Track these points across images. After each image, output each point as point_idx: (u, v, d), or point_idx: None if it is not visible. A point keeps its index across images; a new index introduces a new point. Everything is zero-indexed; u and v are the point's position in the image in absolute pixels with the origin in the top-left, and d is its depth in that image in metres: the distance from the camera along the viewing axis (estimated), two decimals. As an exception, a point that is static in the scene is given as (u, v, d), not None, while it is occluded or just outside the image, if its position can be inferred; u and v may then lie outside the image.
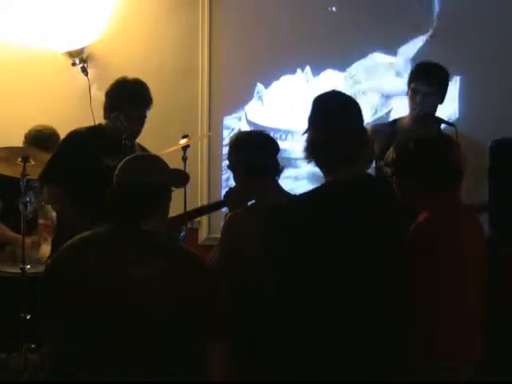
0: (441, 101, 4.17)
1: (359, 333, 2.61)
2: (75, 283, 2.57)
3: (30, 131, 4.88)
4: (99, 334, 2.53)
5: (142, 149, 4.10)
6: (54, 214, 4.70)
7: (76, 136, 4.02)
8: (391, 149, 2.99)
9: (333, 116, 2.70)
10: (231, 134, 5.27)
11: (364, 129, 2.80)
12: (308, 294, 2.60)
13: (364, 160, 2.85)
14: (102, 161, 3.89)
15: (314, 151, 2.71)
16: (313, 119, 2.74)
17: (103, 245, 2.63)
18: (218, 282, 2.90)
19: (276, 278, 2.65)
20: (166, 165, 2.79)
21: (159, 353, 2.51)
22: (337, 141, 2.66)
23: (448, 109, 4.89)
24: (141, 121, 3.99)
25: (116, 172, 2.70)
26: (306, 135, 2.75)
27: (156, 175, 2.68)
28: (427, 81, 4.07)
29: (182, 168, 4.21)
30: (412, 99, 4.12)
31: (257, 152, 3.18)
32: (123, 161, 2.74)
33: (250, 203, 3.32)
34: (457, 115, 4.98)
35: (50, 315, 2.66)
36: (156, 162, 2.77)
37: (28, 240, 4.32)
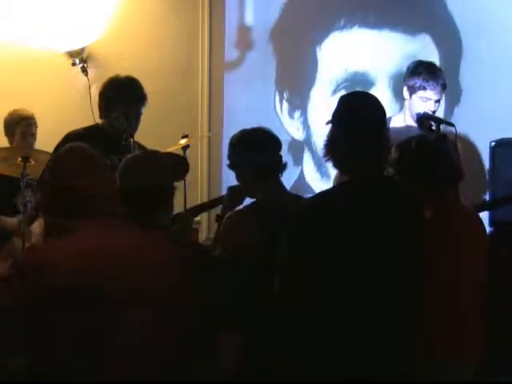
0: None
1: (369, 328, 2.60)
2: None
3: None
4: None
5: (140, 147, 4.09)
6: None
7: (74, 137, 4.01)
8: (393, 148, 2.99)
9: (356, 116, 2.70)
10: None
11: (386, 131, 2.80)
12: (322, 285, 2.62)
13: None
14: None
15: (334, 149, 2.71)
16: (336, 117, 2.74)
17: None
18: (230, 273, 2.90)
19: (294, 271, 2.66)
20: (166, 162, 2.77)
21: (172, 347, 2.51)
22: (358, 141, 2.66)
23: (448, 108, 4.90)
24: (137, 118, 4.00)
25: (118, 174, 2.68)
26: (327, 132, 2.75)
27: (159, 178, 2.66)
28: (439, 88, 4.06)
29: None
30: (422, 106, 4.06)
31: (259, 152, 3.17)
32: (124, 162, 2.72)
33: (250, 202, 3.31)
34: (457, 115, 4.98)
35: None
36: (157, 162, 2.75)
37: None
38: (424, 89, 4.06)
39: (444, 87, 4.12)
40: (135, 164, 2.70)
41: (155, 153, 2.86)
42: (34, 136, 4.75)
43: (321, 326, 2.60)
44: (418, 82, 4.07)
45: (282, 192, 3.23)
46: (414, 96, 4.11)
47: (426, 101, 4.07)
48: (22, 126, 4.73)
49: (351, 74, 5.13)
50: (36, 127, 4.78)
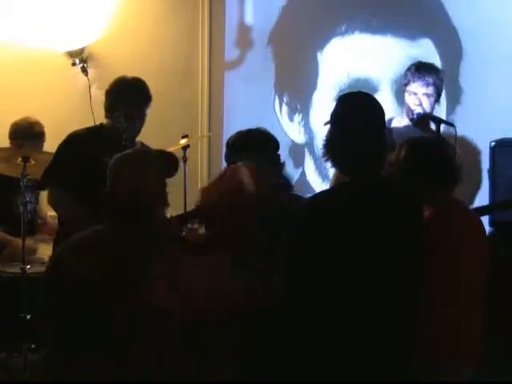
0: (437, 101, 4.19)
1: (369, 328, 2.60)
2: (80, 282, 2.56)
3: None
4: (107, 332, 2.53)
5: (143, 146, 4.08)
6: (51, 213, 4.70)
7: (76, 137, 4.02)
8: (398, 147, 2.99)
9: (355, 116, 2.70)
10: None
11: (385, 131, 2.80)
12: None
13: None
14: (104, 160, 3.88)
15: (333, 149, 2.71)
16: (335, 117, 2.73)
17: (110, 243, 2.62)
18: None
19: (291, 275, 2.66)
20: (155, 159, 2.77)
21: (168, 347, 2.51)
22: (357, 141, 2.66)
23: (448, 108, 4.90)
24: (140, 119, 3.99)
25: (108, 173, 2.68)
26: (325, 133, 2.76)
27: (152, 179, 2.66)
28: (425, 82, 4.09)
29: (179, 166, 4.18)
30: (410, 101, 4.13)
31: (256, 152, 3.16)
32: (113, 162, 2.71)
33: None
34: (457, 115, 4.99)
35: (53, 315, 2.65)
36: (145, 159, 2.74)
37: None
38: (409, 83, 4.14)
39: (435, 84, 4.12)
40: (124, 163, 2.69)
41: (144, 151, 2.86)
42: (41, 150, 4.75)
43: (320, 326, 2.60)
44: (405, 78, 4.17)
45: (281, 192, 3.22)
46: (405, 93, 4.17)
47: (411, 94, 4.13)
48: (33, 142, 4.73)
49: (353, 80, 5.13)
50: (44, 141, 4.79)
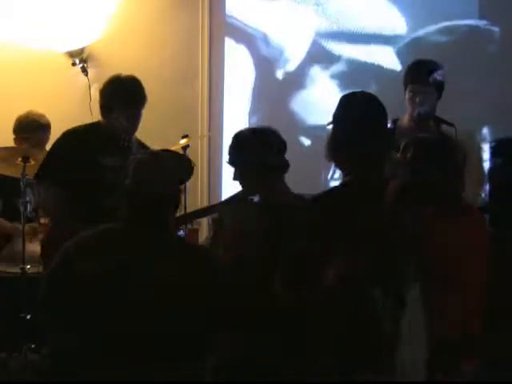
0: (438, 98, 4.18)
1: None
2: (86, 281, 2.56)
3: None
4: (113, 331, 2.53)
5: (142, 145, 4.07)
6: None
7: (73, 134, 3.99)
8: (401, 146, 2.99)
9: (356, 116, 2.70)
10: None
11: (388, 131, 2.80)
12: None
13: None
14: (100, 159, 3.87)
15: (335, 149, 2.71)
16: (337, 117, 2.74)
17: (117, 243, 2.63)
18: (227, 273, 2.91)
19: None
20: (173, 163, 2.79)
21: (173, 348, 2.52)
22: (358, 141, 2.66)
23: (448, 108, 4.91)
24: (136, 119, 3.96)
25: (127, 174, 2.69)
26: (327, 133, 2.76)
27: (167, 180, 2.68)
28: (424, 81, 4.07)
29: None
30: (410, 100, 4.11)
31: (263, 150, 3.15)
32: (132, 165, 2.72)
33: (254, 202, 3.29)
34: (457, 115, 4.98)
35: (59, 315, 2.65)
36: (165, 164, 2.76)
37: (27, 227, 4.31)
38: (407, 82, 4.12)
39: (434, 83, 4.09)
40: (144, 166, 2.71)
41: (162, 154, 2.88)
42: (46, 142, 4.73)
43: (322, 326, 2.60)
44: (404, 78, 4.15)
45: (284, 192, 3.22)
46: (406, 92, 4.14)
47: (411, 93, 4.10)
48: (39, 134, 4.71)
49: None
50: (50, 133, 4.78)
